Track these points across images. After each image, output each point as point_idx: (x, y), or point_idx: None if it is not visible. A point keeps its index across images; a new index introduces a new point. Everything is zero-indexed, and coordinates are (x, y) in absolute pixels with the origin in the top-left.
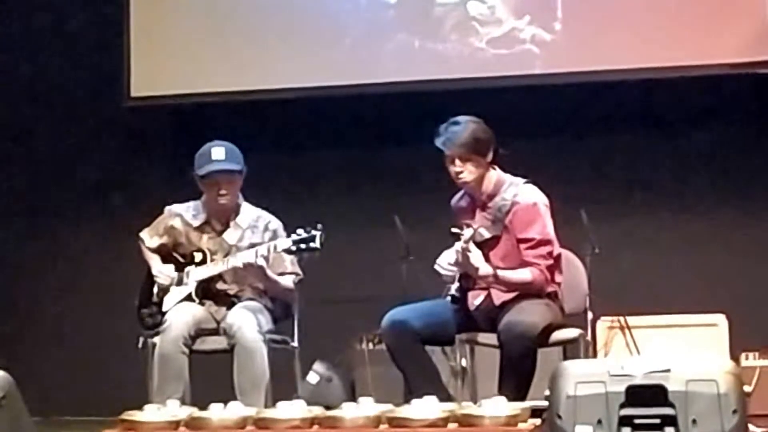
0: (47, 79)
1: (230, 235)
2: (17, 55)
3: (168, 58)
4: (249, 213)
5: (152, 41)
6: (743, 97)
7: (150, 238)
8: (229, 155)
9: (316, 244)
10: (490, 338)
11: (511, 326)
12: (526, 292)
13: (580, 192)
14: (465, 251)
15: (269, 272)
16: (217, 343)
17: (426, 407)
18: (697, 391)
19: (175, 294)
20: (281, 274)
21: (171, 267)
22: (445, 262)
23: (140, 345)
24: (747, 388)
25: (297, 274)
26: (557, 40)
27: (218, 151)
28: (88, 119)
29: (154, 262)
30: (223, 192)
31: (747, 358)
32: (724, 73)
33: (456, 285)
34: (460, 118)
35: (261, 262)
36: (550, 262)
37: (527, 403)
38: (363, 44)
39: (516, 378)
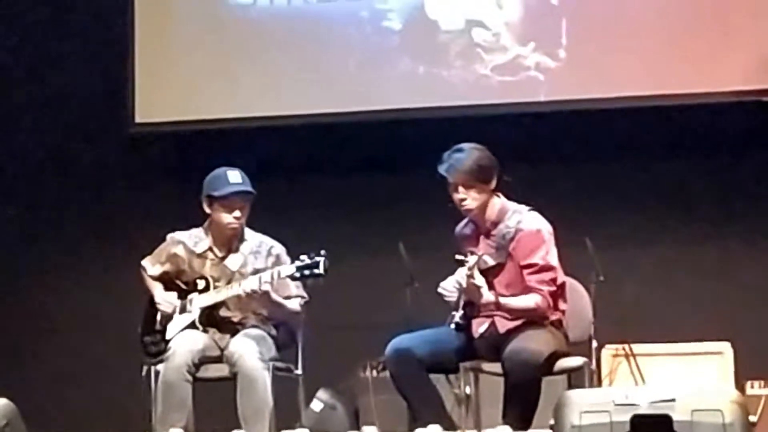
0: (51, 104)
1: (233, 262)
2: (18, 81)
3: (172, 85)
4: (251, 239)
5: (157, 68)
6: (749, 125)
7: (152, 266)
8: (244, 179)
9: (320, 270)
10: (495, 366)
11: (516, 354)
12: (529, 318)
13: (584, 220)
14: (469, 278)
15: (274, 296)
16: (221, 370)
17: None
18: (703, 421)
19: (179, 322)
20: (287, 297)
21: (173, 295)
22: (449, 285)
23: (144, 373)
24: (752, 418)
25: (303, 297)
26: (562, 67)
27: (234, 174)
28: (92, 144)
29: (157, 290)
30: (237, 215)
31: (752, 387)
32: (730, 100)
33: (460, 313)
34: (464, 146)
35: (266, 287)
36: (553, 288)
37: None
38: (367, 71)
39: (520, 406)
